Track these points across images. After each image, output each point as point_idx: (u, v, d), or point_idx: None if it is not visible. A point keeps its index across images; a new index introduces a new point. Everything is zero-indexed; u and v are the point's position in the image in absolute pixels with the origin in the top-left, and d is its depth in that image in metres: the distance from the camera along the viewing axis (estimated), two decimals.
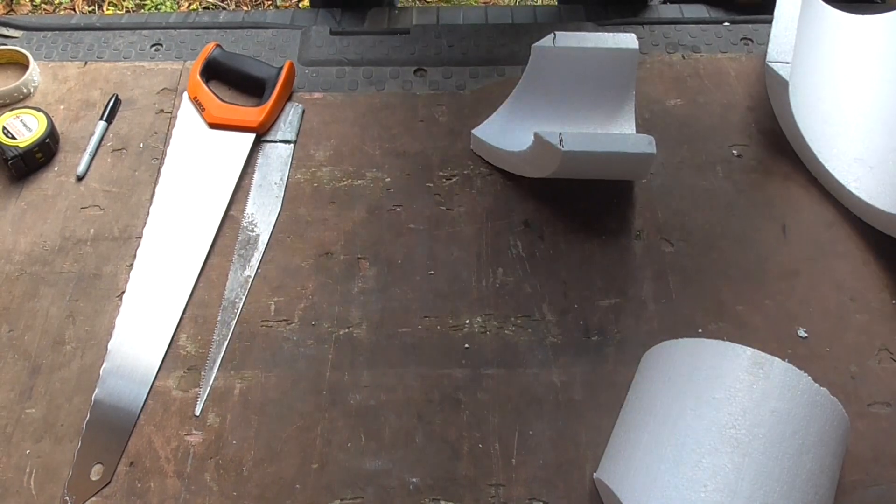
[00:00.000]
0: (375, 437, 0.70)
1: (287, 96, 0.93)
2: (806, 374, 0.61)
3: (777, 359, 0.61)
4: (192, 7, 2.00)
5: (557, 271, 0.78)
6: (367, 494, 0.67)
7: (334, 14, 1.04)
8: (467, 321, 0.76)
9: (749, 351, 0.62)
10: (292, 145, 0.90)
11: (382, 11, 1.05)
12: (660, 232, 0.81)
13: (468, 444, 0.70)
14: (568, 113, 0.85)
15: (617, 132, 0.83)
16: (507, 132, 0.86)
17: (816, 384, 0.61)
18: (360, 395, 0.72)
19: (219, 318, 0.77)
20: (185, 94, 0.92)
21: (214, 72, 0.94)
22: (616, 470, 0.63)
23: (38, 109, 0.89)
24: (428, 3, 2.02)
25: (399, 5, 1.13)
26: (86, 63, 0.97)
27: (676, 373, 0.64)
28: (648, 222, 0.83)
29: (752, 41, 0.98)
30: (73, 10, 1.96)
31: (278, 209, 0.84)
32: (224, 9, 1.98)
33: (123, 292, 0.78)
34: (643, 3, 1.05)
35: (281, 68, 0.92)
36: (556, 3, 1.19)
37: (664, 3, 1.07)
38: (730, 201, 0.84)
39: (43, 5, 1.98)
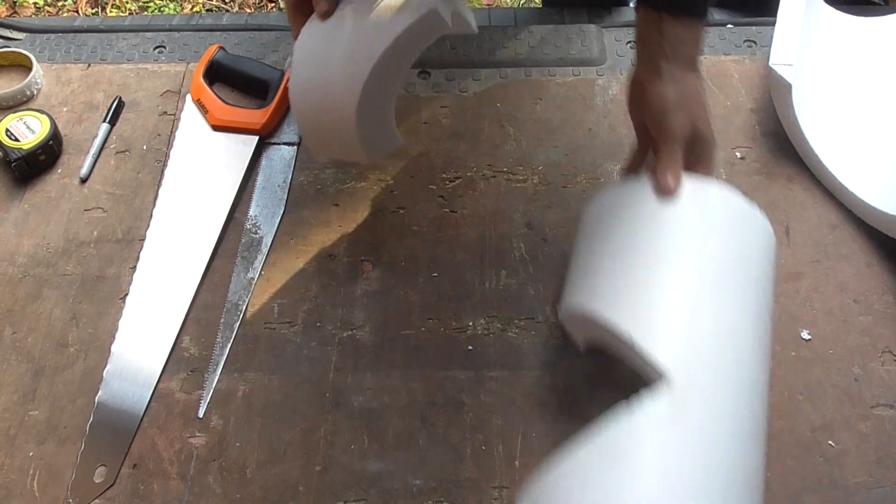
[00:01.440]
0: (378, 439, 0.70)
1: None
2: (738, 194, 0.68)
3: (713, 182, 0.68)
4: (195, 9, 2.00)
5: (560, 273, 0.78)
6: (370, 496, 0.67)
7: None
8: (470, 323, 0.76)
9: (689, 182, 0.67)
10: (296, 147, 0.90)
11: None
12: None
13: (471, 447, 0.70)
14: None
15: None
16: None
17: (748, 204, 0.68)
18: (363, 397, 0.72)
19: (222, 321, 0.77)
20: (189, 97, 0.92)
21: (218, 74, 0.94)
22: (580, 296, 0.66)
23: (42, 112, 0.89)
24: None
25: None
26: (89, 65, 0.97)
27: (623, 209, 0.69)
28: None
29: (755, 43, 0.98)
30: (77, 12, 1.97)
31: (282, 211, 0.84)
32: (227, 11, 1.98)
33: (127, 294, 0.78)
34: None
35: (284, 70, 0.92)
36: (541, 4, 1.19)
37: None
38: None
39: (46, 7, 1.98)
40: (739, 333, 0.62)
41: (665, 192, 0.66)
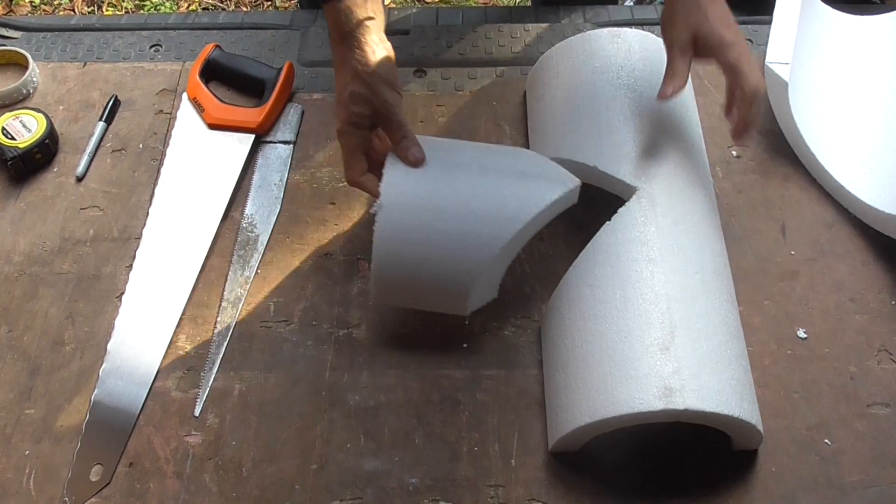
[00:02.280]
0: (375, 437, 0.70)
1: (286, 97, 0.93)
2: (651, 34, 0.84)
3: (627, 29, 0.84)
4: (191, 8, 2.00)
5: (557, 272, 0.78)
6: (366, 495, 0.67)
7: None
8: (466, 322, 0.76)
9: (605, 30, 0.84)
10: (292, 146, 0.90)
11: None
12: None
13: (467, 445, 0.70)
14: None
15: None
16: None
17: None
18: (359, 396, 0.72)
19: (218, 319, 0.77)
20: (185, 95, 0.92)
21: (214, 72, 0.94)
22: (559, 150, 0.78)
23: (38, 110, 0.89)
24: (427, 3, 2.02)
25: (390, 6, 1.13)
26: (85, 64, 0.97)
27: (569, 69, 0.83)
28: None
29: (751, 42, 0.98)
30: (73, 10, 1.96)
31: (278, 210, 0.84)
32: (223, 9, 1.98)
33: (123, 293, 0.78)
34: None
35: (280, 69, 0.92)
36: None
37: (662, 4, 1.07)
38: (729, 202, 0.84)
39: (42, 6, 1.98)
40: (687, 151, 0.77)
41: (661, 97, 0.73)
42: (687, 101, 0.83)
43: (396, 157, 0.71)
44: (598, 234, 0.71)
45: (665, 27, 0.74)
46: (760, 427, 0.65)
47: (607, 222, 0.72)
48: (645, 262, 0.68)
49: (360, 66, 0.70)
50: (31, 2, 1.97)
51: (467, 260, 0.69)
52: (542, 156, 0.76)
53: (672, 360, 0.63)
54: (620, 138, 0.76)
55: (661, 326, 0.65)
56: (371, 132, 0.73)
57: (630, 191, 0.73)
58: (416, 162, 0.70)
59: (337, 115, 0.72)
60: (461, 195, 0.69)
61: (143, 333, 0.76)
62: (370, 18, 0.71)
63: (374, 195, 0.70)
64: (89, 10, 1.97)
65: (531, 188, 0.70)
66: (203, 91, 0.91)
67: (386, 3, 1.23)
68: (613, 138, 0.76)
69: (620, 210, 0.72)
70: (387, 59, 0.72)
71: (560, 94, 0.83)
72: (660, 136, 0.77)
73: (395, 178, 0.70)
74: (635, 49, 0.82)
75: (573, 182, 0.72)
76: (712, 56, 0.72)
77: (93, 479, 0.68)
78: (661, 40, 0.79)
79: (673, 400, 0.61)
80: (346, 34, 0.71)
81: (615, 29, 0.84)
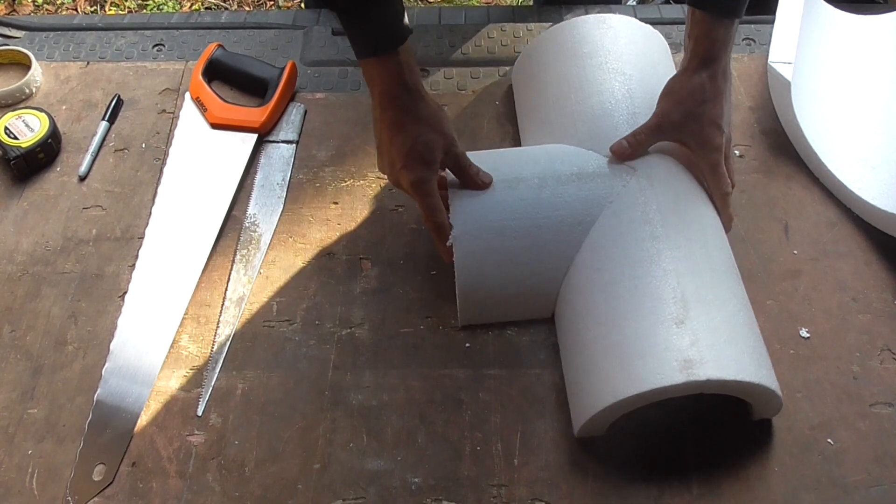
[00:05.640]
0: (377, 437, 0.70)
1: (289, 96, 0.93)
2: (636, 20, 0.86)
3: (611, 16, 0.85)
4: (194, 7, 2.00)
5: None
6: (369, 494, 0.67)
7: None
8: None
9: (590, 17, 0.85)
10: (294, 145, 0.90)
11: None
12: None
13: (470, 445, 0.70)
14: None
15: None
16: None
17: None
18: (362, 396, 0.72)
19: (221, 319, 0.77)
20: (188, 95, 0.92)
21: (216, 72, 0.94)
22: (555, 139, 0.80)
23: (41, 109, 0.89)
24: (430, 3, 2.02)
25: None
26: (88, 63, 0.97)
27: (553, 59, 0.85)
28: None
29: (754, 41, 0.98)
30: (76, 10, 1.96)
31: (280, 209, 0.84)
32: (226, 9, 1.98)
33: (125, 292, 0.78)
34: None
35: (283, 68, 0.92)
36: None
37: (666, 3, 1.07)
38: (732, 201, 0.83)
39: (45, 6, 1.98)
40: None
41: (616, 155, 0.75)
42: None
43: (456, 186, 0.73)
44: (599, 217, 0.72)
45: (663, 94, 0.75)
46: (780, 392, 0.65)
47: (608, 205, 0.72)
48: (650, 241, 0.69)
49: (429, 113, 0.71)
50: (33, 1, 1.97)
51: (547, 271, 0.72)
52: (582, 149, 0.76)
53: (688, 332, 0.64)
54: (613, 121, 0.77)
55: (673, 301, 0.66)
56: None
57: (628, 172, 0.74)
58: (487, 183, 0.72)
59: (407, 168, 0.71)
60: (529, 210, 0.72)
61: (145, 333, 0.76)
62: (411, 59, 0.71)
63: (448, 232, 0.71)
64: (92, 9, 1.98)
65: (591, 188, 0.73)
66: (206, 90, 0.91)
67: None
68: (607, 122, 0.77)
69: (620, 191, 0.72)
70: (431, 97, 0.73)
71: (550, 81, 0.84)
72: None
73: (463, 207, 0.72)
74: (622, 34, 0.83)
75: (628, 172, 0.73)
76: (695, 150, 0.74)
77: (95, 479, 0.68)
78: (646, 26, 0.84)
79: (694, 372, 0.62)
80: (410, 86, 0.70)
81: (600, 15, 0.86)
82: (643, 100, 0.78)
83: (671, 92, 0.74)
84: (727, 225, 0.75)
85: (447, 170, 0.73)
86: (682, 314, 0.65)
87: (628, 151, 0.74)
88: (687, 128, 0.73)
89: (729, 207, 0.75)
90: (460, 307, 0.74)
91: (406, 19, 0.70)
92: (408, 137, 0.70)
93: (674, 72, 0.78)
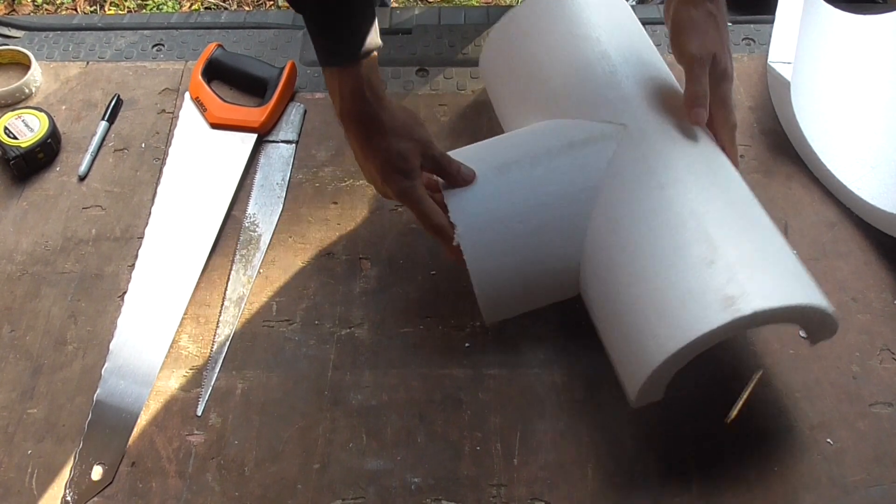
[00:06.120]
0: (377, 437, 0.70)
1: (289, 96, 0.93)
2: None
3: None
4: (193, 7, 2.00)
5: None
6: (368, 494, 0.67)
7: None
8: (469, 321, 0.76)
9: None
10: (294, 145, 0.90)
11: (384, 11, 1.05)
12: None
13: (470, 444, 0.70)
14: None
15: None
16: None
17: None
18: (361, 395, 0.72)
19: (220, 319, 0.77)
20: (187, 95, 0.92)
21: (216, 72, 0.94)
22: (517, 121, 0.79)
23: (40, 109, 0.89)
24: (430, 3, 2.02)
25: (393, 5, 1.13)
26: (87, 63, 0.97)
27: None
28: None
29: (753, 41, 0.98)
30: (75, 10, 1.96)
31: (280, 209, 0.84)
32: (226, 9, 1.98)
33: (125, 292, 0.78)
34: None
35: (283, 68, 0.92)
36: None
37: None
38: None
39: (44, 5, 1.98)
40: (670, 89, 0.76)
41: (696, 124, 0.71)
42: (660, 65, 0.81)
43: (448, 184, 0.71)
44: (602, 182, 0.70)
45: (682, 42, 0.73)
46: (832, 309, 0.63)
47: (607, 167, 0.70)
48: (658, 190, 0.67)
49: (395, 123, 0.69)
50: (33, 1, 1.97)
51: (562, 248, 0.70)
52: (567, 120, 0.74)
53: (722, 270, 0.61)
54: (593, 85, 0.75)
55: (698, 243, 0.63)
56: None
57: (618, 130, 0.71)
58: (470, 178, 0.70)
59: (387, 181, 0.70)
60: (527, 191, 0.70)
61: (145, 333, 0.76)
62: (375, 72, 0.69)
63: (451, 232, 0.69)
64: (91, 9, 1.97)
65: (586, 155, 0.71)
66: (205, 90, 0.91)
67: (391, 4, 1.23)
68: (586, 87, 0.75)
69: (616, 150, 0.70)
70: (398, 104, 0.71)
71: (518, 64, 0.81)
72: (638, 81, 0.75)
73: (460, 204, 0.70)
74: (581, 3, 0.81)
75: (615, 129, 0.71)
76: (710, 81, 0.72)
77: (95, 479, 0.68)
78: None
79: (737, 308, 0.59)
80: (370, 99, 0.68)
81: None
82: (619, 58, 0.76)
83: (682, 25, 0.73)
84: (734, 161, 0.73)
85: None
86: (711, 254, 0.62)
87: (703, 112, 0.71)
88: (706, 52, 0.72)
89: (735, 143, 0.73)
90: (481, 304, 0.72)
91: (376, 33, 0.67)
92: (379, 151, 0.69)
93: (641, 29, 0.79)
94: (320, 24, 0.66)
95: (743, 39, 0.98)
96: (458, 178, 0.70)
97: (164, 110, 0.93)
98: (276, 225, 0.83)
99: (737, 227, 0.65)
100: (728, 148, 0.73)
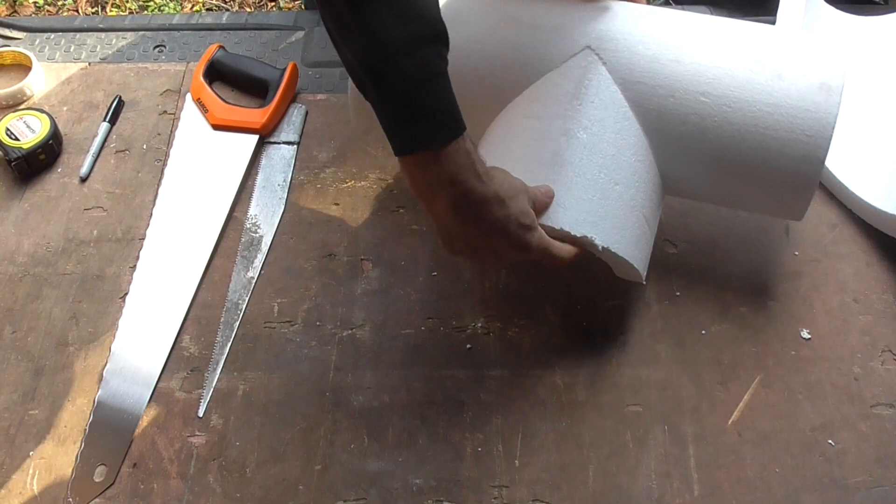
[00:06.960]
0: (379, 438, 0.70)
1: (290, 98, 0.93)
2: None
3: None
4: (195, 8, 2.00)
5: (560, 273, 0.78)
6: (370, 496, 0.67)
7: None
8: (471, 322, 0.76)
9: None
10: (295, 146, 0.90)
11: None
12: (663, 233, 0.81)
13: (471, 446, 0.70)
14: None
15: None
16: None
17: None
18: (363, 397, 0.72)
19: (222, 320, 0.77)
20: (189, 96, 0.92)
21: (218, 73, 0.94)
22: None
23: (41, 111, 0.89)
24: None
25: None
26: (89, 64, 0.97)
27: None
28: None
29: None
30: (77, 11, 1.96)
31: (281, 210, 0.84)
32: (227, 10, 1.98)
33: (126, 294, 0.78)
34: None
35: (284, 70, 0.92)
36: None
37: (666, 3, 1.07)
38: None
39: (46, 7, 1.98)
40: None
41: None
42: None
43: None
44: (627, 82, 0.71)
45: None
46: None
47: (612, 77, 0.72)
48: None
49: (504, 186, 0.62)
50: (34, 2, 1.97)
51: (646, 156, 0.72)
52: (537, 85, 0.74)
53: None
54: (546, 33, 0.73)
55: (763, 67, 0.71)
56: None
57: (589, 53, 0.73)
58: (552, 195, 0.67)
59: (518, 247, 0.63)
60: (586, 159, 0.69)
61: (146, 334, 0.76)
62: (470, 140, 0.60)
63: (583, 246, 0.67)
64: (93, 10, 1.98)
65: (587, 85, 0.71)
66: (207, 92, 0.91)
67: None
68: (538, 35, 0.74)
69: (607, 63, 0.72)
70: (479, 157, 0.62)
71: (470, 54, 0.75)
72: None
73: (572, 217, 0.67)
74: None
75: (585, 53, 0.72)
76: None
77: (96, 480, 0.68)
78: None
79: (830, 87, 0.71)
80: (482, 172, 0.60)
81: None
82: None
83: None
84: None
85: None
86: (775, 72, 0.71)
87: None
88: None
89: None
90: (641, 269, 0.71)
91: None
92: (507, 222, 0.61)
93: None
94: (416, 101, 0.57)
95: None
96: (549, 202, 0.66)
97: (165, 111, 0.93)
98: (278, 226, 0.83)
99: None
100: None
